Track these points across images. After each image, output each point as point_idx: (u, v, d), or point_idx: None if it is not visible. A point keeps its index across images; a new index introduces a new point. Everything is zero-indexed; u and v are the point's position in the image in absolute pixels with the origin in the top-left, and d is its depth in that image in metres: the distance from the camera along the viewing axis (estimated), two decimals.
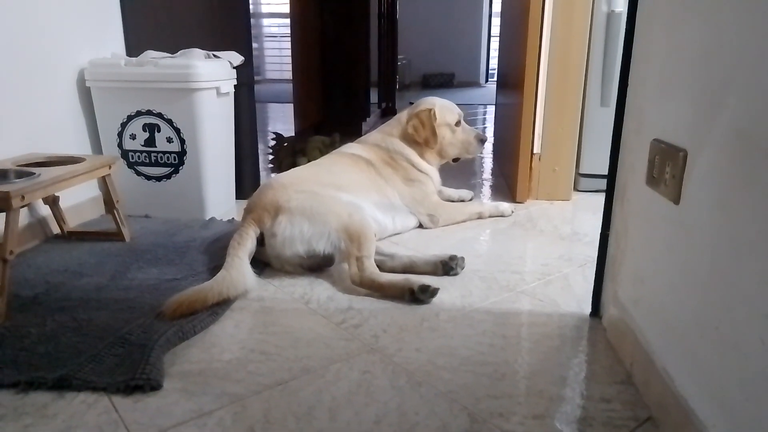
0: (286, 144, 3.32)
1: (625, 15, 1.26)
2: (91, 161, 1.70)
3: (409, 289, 1.46)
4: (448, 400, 1.05)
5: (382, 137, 2.14)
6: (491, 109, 6.17)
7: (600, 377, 1.13)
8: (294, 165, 3.07)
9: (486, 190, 2.75)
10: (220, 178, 2.26)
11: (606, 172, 2.57)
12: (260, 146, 2.69)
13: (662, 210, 1.01)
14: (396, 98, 6.10)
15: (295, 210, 1.63)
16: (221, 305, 1.41)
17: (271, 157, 3.23)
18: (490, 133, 4.71)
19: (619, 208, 1.29)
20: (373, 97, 4.94)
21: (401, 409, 1.02)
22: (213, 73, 2.08)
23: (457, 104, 2.29)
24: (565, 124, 2.43)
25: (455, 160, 2.25)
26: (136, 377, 1.08)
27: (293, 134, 3.61)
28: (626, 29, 1.24)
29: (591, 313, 1.40)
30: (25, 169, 1.53)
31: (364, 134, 4.42)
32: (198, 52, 2.14)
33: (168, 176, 2.13)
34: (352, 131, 4.39)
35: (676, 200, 0.96)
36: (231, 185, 2.38)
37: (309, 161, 3.08)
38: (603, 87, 2.51)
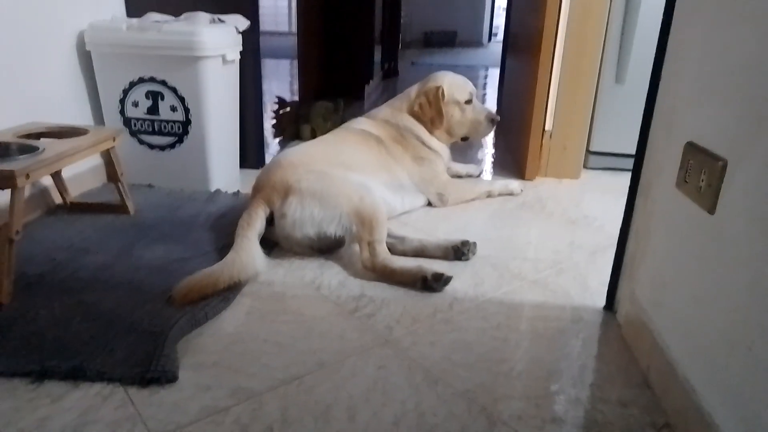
0: (289, 109, 3.24)
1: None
2: (94, 134, 1.64)
3: (422, 277, 1.44)
4: (467, 400, 1.05)
5: (392, 113, 2.08)
6: (494, 73, 6.04)
7: (616, 379, 1.13)
8: (297, 132, 3.03)
9: (492, 163, 2.70)
10: (225, 148, 2.21)
11: (618, 151, 2.56)
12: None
13: (693, 217, 0.99)
14: (398, 58, 5.95)
15: (306, 191, 1.59)
16: (232, 290, 1.39)
17: (273, 121, 3.15)
18: (492, 99, 4.63)
19: (641, 205, 1.26)
20: (375, 55, 4.79)
21: (419, 410, 1.02)
22: (219, 40, 1.99)
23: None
24: (579, 101, 2.37)
25: (464, 139, 2.19)
26: (151, 369, 1.07)
27: (296, 98, 3.51)
28: (663, 20, 1.18)
29: (605, 306, 1.40)
30: (28, 143, 1.47)
31: (367, 97, 4.38)
32: (203, 16, 2.05)
33: (172, 146, 2.08)
34: (354, 95, 4.31)
35: (711, 210, 0.93)
36: (235, 155, 2.33)
37: (312, 129, 3.03)
38: (619, 63, 2.44)
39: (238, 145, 2.34)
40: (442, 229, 1.87)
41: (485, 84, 5.54)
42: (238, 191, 2.11)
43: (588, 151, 2.59)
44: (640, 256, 1.25)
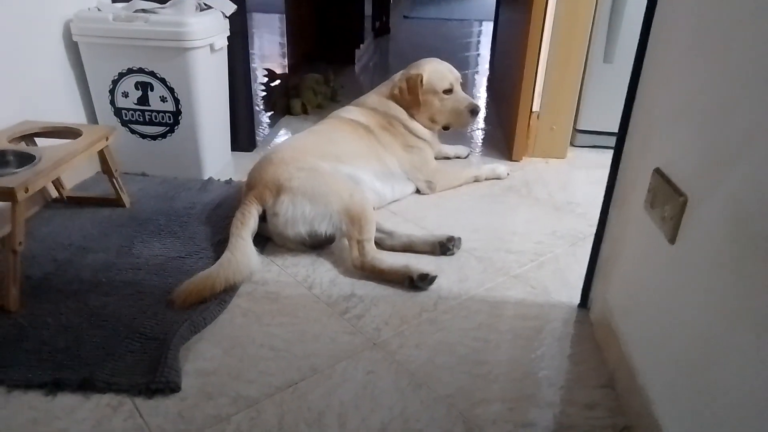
0: (279, 81, 3.24)
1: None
2: (88, 134, 1.67)
3: (409, 277, 1.52)
4: (447, 404, 1.15)
5: (379, 100, 2.10)
6: (488, 28, 5.93)
7: (586, 380, 1.23)
8: (288, 107, 3.04)
9: (481, 140, 2.74)
10: (216, 135, 2.24)
11: (604, 130, 2.60)
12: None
13: (657, 241, 1.06)
14: (390, 13, 5.83)
15: (297, 190, 1.65)
16: (228, 292, 1.46)
17: (263, 93, 3.15)
18: (485, 59, 4.59)
19: (616, 213, 1.33)
20: (366, 8, 4.66)
21: (404, 415, 1.12)
22: (206, 29, 1.99)
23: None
24: (567, 82, 2.40)
25: (445, 128, 2.20)
26: (156, 380, 1.16)
27: (285, 60, 3.48)
28: (639, 40, 1.21)
29: (580, 304, 1.49)
30: (25, 151, 1.51)
31: (358, 60, 4.33)
32: (189, 3, 2.03)
33: (163, 135, 2.10)
34: (345, 59, 4.27)
35: (672, 240, 1.00)
36: (227, 140, 2.36)
37: (303, 104, 3.05)
38: (608, 42, 2.45)
39: (229, 131, 2.36)
40: (431, 218, 1.94)
41: (479, 42, 5.46)
42: (231, 179, 2.15)
43: (575, 129, 2.62)
44: (613, 260, 1.33)
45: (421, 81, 2.05)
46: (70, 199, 1.91)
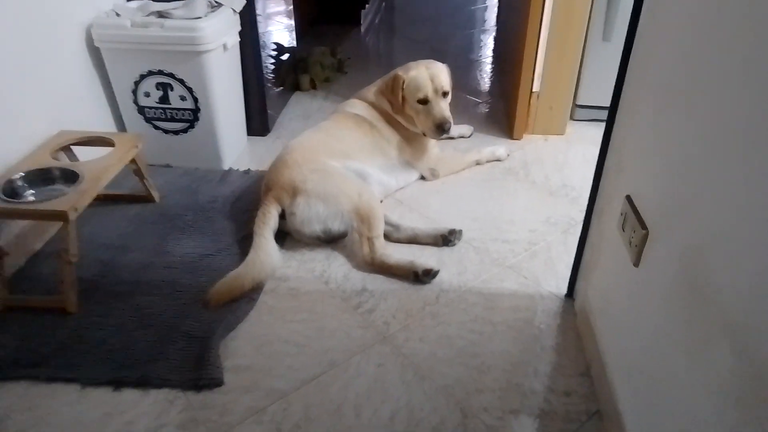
0: (288, 55, 3.31)
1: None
2: (120, 145, 1.83)
3: (414, 272, 1.71)
4: (446, 395, 1.37)
5: (375, 95, 2.19)
6: None
7: (566, 369, 1.44)
8: (296, 83, 3.14)
9: (486, 116, 2.85)
10: (233, 126, 2.38)
11: (603, 104, 2.70)
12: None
13: (625, 259, 1.23)
14: None
15: (311, 192, 1.81)
16: (255, 290, 1.67)
17: (272, 68, 3.24)
18: (493, 12, 4.57)
19: (596, 222, 1.49)
20: None
21: (410, 406, 1.34)
22: (218, 30, 2.09)
23: None
24: (566, 62, 2.48)
25: (424, 133, 2.15)
26: (203, 377, 1.38)
27: (293, 42, 3.54)
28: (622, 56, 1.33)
29: (566, 294, 1.67)
30: (69, 168, 1.68)
31: (363, 22, 4.35)
32: (200, 5, 2.13)
33: (184, 130, 2.25)
34: (350, 20, 4.29)
35: (636, 264, 1.17)
36: (242, 129, 2.51)
37: (311, 79, 3.14)
38: (606, 21, 2.51)
39: (244, 118, 2.50)
40: (434, 206, 2.11)
41: (485, 7, 5.35)
42: (249, 169, 2.32)
43: (575, 105, 2.72)
44: (593, 264, 1.50)
45: (403, 85, 2.09)
46: (105, 196, 2.08)
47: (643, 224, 1.14)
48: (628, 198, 1.23)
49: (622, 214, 1.26)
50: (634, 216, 1.18)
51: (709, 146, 0.90)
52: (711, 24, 0.92)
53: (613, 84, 1.39)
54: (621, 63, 1.34)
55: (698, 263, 0.92)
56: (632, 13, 1.29)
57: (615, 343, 1.29)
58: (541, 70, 2.49)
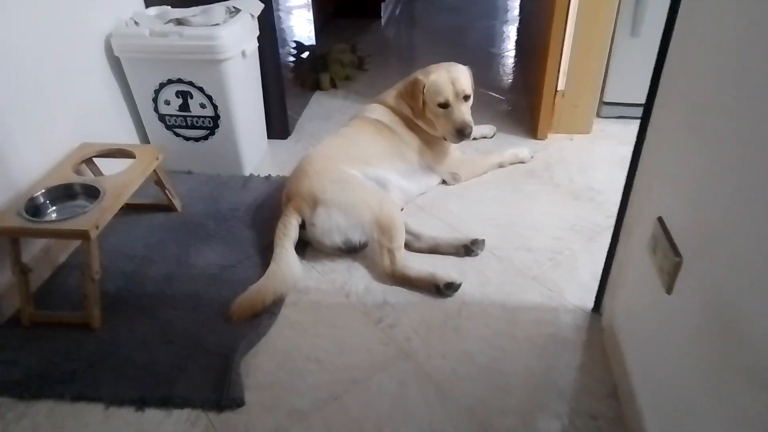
0: (307, 53, 3.28)
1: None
2: (141, 158, 1.83)
3: (435, 285, 1.69)
4: (469, 416, 1.35)
5: (395, 99, 2.16)
6: None
7: (592, 389, 1.40)
8: (317, 83, 3.11)
9: (508, 114, 2.79)
10: (253, 131, 2.37)
11: (630, 101, 2.62)
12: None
13: (657, 284, 1.18)
14: None
15: (332, 203, 1.80)
16: (276, 304, 1.66)
17: (292, 65, 3.21)
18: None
19: (625, 240, 1.44)
20: None
21: (432, 426, 1.32)
22: (236, 39, 2.07)
23: None
24: (592, 60, 2.40)
25: (444, 137, 2.13)
26: (224, 398, 1.39)
27: (313, 41, 3.50)
28: (651, 79, 1.27)
29: (593, 308, 1.63)
30: (90, 184, 1.69)
31: (384, 14, 4.28)
32: (219, 11, 2.11)
33: (205, 137, 2.25)
34: (371, 14, 4.23)
35: (668, 291, 1.12)
36: (263, 134, 2.50)
37: (331, 78, 3.11)
38: (635, 15, 2.41)
39: (264, 123, 2.49)
40: (455, 212, 2.08)
41: None
42: (269, 175, 2.31)
43: (602, 101, 2.64)
44: (621, 282, 1.46)
45: (423, 89, 2.06)
46: (128, 205, 2.10)
47: (676, 251, 1.09)
48: (660, 220, 1.18)
49: (652, 237, 1.21)
50: (666, 241, 1.13)
51: (756, 172, 0.83)
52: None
53: (642, 82, 1.31)
54: (656, 65, 1.25)
55: (732, 301, 0.88)
56: (670, 6, 1.18)
57: (643, 366, 1.26)
58: (566, 66, 2.42)
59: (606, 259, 1.53)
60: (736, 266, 0.88)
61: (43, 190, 1.65)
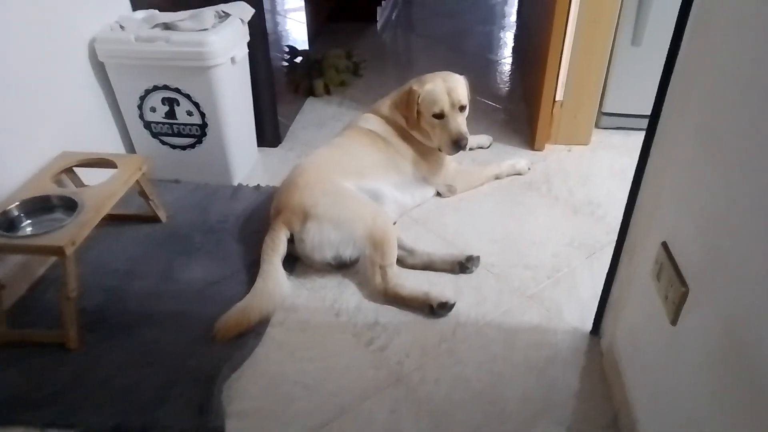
0: (301, 58, 3.21)
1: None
2: (123, 168, 1.76)
3: (429, 305, 1.62)
4: None
5: (389, 109, 2.09)
6: None
7: (591, 418, 1.34)
8: (311, 88, 3.04)
9: (505, 123, 2.72)
10: (243, 139, 2.30)
11: (630, 112, 2.56)
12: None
13: (661, 313, 1.12)
14: None
15: (323, 217, 1.73)
16: (262, 323, 1.59)
17: (286, 69, 3.14)
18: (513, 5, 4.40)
19: (627, 260, 1.38)
20: None
21: None
22: (226, 45, 2.00)
23: None
24: (592, 69, 2.34)
25: (439, 148, 2.06)
26: (204, 426, 1.31)
27: (307, 46, 3.44)
28: (656, 99, 1.21)
29: (591, 331, 1.57)
30: (68, 195, 1.61)
31: (380, 19, 4.22)
32: (208, 16, 2.04)
33: (192, 146, 2.18)
34: (366, 17, 4.17)
35: (673, 322, 1.06)
36: (253, 142, 2.43)
37: (326, 84, 3.04)
38: (637, 23, 2.35)
39: (254, 131, 2.42)
40: (450, 226, 2.01)
41: None
42: (258, 185, 2.23)
43: (601, 112, 2.58)
44: (622, 304, 1.39)
45: (418, 98, 1.99)
46: (111, 216, 2.02)
47: (682, 280, 1.03)
48: (665, 246, 1.12)
49: (656, 262, 1.15)
50: (671, 268, 1.07)
51: None
52: None
53: (643, 93, 1.24)
54: (663, 76, 1.18)
55: (743, 336, 0.81)
56: (679, 14, 1.12)
57: (646, 398, 1.19)
58: (565, 75, 2.36)
59: (606, 279, 1.47)
60: (748, 299, 0.82)
61: (17, 203, 1.57)
